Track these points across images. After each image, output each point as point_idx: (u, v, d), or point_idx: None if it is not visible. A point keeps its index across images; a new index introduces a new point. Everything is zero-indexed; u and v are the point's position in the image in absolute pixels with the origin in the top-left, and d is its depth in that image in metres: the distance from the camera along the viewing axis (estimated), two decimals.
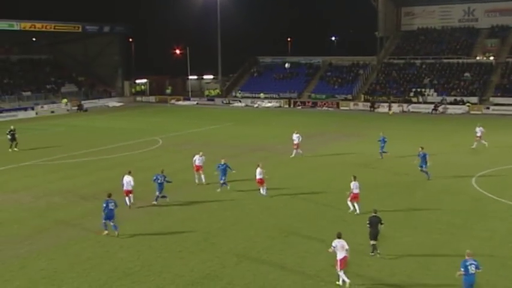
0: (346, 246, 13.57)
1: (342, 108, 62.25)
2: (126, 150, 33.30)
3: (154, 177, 21.00)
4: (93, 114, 58.67)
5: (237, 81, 74.51)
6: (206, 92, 75.13)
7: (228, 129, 44.18)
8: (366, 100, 62.34)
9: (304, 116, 55.45)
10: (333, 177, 25.56)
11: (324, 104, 63.85)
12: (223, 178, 22.05)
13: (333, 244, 13.62)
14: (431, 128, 44.81)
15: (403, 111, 58.73)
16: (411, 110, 58.85)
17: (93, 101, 68.39)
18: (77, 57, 75.26)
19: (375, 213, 15.71)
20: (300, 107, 64.85)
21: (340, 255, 13.44)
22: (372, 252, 15.40)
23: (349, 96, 64.10)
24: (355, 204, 19.23)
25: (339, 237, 13.72)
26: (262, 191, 21.05)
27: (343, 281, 13.37)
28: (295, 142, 30.24)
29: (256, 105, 66.07)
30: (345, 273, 13.53)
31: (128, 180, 20.68)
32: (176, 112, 60.30)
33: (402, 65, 67.02)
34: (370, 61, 69.52)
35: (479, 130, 33.30)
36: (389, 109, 57.14)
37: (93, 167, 28.37)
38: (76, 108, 62.29)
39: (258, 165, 22.03)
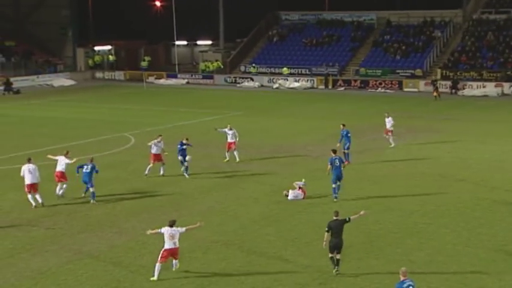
0: (176, 238, 17.19)
1: (406, 90, 61.88)
2: (81, 153, 33.33)
3: (84, 166, 24.57)
4: (29, 97, 59.13)
5: (247, 50, 74.63)
6: (202, 66, 75.32)
7: (236, 122, 43.74)
8: (445, 78, 61.74)
9: (348, 101, 55.12)
10: (392, 196, 25.32)
11: (380, 83, 63.53)
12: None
13: (161, 230, 17.43)
14: None
15: (504, 94, 58.13)
16: None
17: (29, 77, 68.83)
18: (3, 10, 75.56)
19: (336, 216, 17.64)
20: (342, 89, 64.57)
21: (167, 245, 17.17)
22: (335, 268, 17.42)
23: (419, 72, 63.73)
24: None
25: (171, 225, 17.34)
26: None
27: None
28: (229, 140, 30.60)
29: (276, 86, 66.06)
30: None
31: (30, 170, 23.71)
32: (156, 96, 60.56)
33: (503, 23, 66.37)
34: (451, 17, 69.02)
35: (388, 121, 34.16)
36: (436, 91, 56.18)
37: None
38: (2, 88, 62.88)
39: None
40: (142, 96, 60.07)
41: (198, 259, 18.71)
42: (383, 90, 62.53)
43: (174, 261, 17.66)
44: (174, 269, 17.66)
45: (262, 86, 67.06)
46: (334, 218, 17.63)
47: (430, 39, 67.32)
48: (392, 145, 34.03)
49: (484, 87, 59.05)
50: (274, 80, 67.05)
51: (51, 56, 75.24)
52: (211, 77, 71.23)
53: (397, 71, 64.70)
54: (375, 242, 20.03)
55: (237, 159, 30.64)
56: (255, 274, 17.62)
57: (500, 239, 20.30)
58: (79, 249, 19.65)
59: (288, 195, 24.73)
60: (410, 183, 27.22)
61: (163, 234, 17.38)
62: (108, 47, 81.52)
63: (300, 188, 25.06)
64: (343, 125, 31.09)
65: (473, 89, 59.15)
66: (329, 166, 24.49)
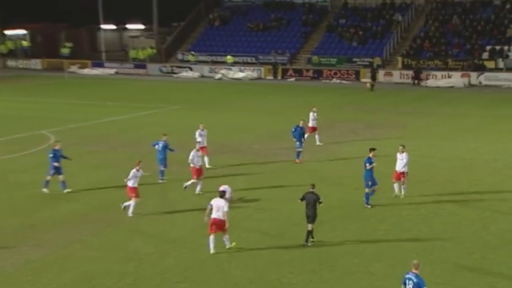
0: (226, 209, 19.54)
1: (363, 80, 62.59)
2: None
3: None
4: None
5: (185, 35, 74.36)
6: (132, 54, 74.69)
7: (173, 117, 44.09)
8: (406, 67, 62.77)
9: (300, 94, 55.55)
10: (349, 199, 25.64)
11: (335, 73, 64.25)
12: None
13: (211, 202, 19.82)
14: None
15: (471, 85, 59.52)
16: (484, 82, 59.90)
17: None
18: None
19: (313, 188, 20.41)
20: (293, 79, 65.13)
21: (213, 214, 19.60)
22: (306, 242, 20.22)
23: (378, 61, 64.61)
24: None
25: (221, 196, 19.97)
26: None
27: (228, 245, 20.01)
28: (198, 139, 29.83)
29: (218, 76, 66.12)
30: (226, 238, 19.84)
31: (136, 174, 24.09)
32: (80, 88, 59.81)
33: (469, 5, 68.04)
34: None
35: (312, 115, 35.14)
36: (372, 79, 57.58)
37: None
38: None
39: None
40: (64, 88, 59.25)
41: (130, 274, 18.60)
42: (338, 81, 63.23)
43: (224, 236, 19.81)
44: (227, 247, 19.84)
45: (202, 76, 66.99)
46: (310, 190, 20.38)
47: (390, 24, 68.36)
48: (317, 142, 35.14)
49: (449, 77, 60.38)
50: (216, 70, 67.09)
51: None
52: (144, 66, 70.77)
53: (354, 59, 65.54)
54: (329, 251, 20.24)
55: (207, 166, 29.99)
56: None
57: (467, 246, 20.74)
58: None
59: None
60: (352, 186, 27.43)
61: (212, 205, 19.75)
62: (22, 32, 80.00)
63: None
64: (303, 121, 32.10)
65: (437, 80, 60.40)
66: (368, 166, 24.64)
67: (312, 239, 20.35)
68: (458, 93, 55.90)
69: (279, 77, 65.62)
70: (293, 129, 31.31)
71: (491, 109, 47.53)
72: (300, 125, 31.48)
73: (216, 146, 34.49)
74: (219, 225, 19.62)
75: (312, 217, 20.20)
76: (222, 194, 20.18)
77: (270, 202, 25.14)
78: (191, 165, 26.09)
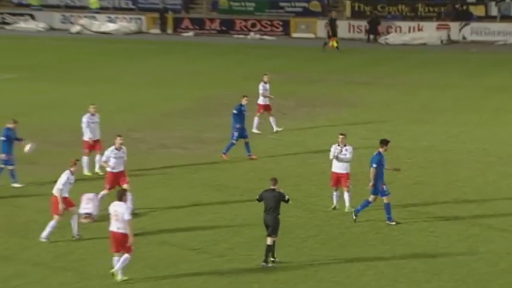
0: (126, 217, 19.67)
1: (296, 35, 64.06)
2: None
3: None
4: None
5: None
6: None
7: (4, 92, 43.76)
8: (357, 15, 63.38)
9: (201, 56, 55.75)
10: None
11: (253, 25, 64.51)
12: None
13: (109, 208, 20.30)
14: None
15: (451, 41, 60.80)
16: (470, 37, 61.53)
17: None
18: None
19: (274, 185, 21.43)
20: (191, 34, 65.20)
21: (111, 226, 19.88)
22: (265, 262, 21.01)
23: (315, 6, 65.00)
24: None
25: (120, 198, 20.14)
26: None
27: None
28: (89, 136, 30.09)
29: (77, 29, 65.65)
30: (122, 261, 19.66)
31: None
32: None
33: None
34: None
35: (262, 88, 36.09)
36: (331, 39, 58.63)
37: None
38: None
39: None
40: None
41: None
42: (258, 36, 63.46)
43: (123, 256, 19.67)
44: (118, 279, 19.73)
45: (52, 29, 66.39)
46: (271, 187, 21.40)
47: None
48: (275, 129, 35.47)
49: (419, 29, 61.34)
50: (72, 20, 66.37)
51: None
52: None
53: (281, 4, 65.78)
54: None
55: (96, 169, 29.83)
56: None
57: (446, 277, 21.06)
58: None
59: (88, 214, 24.45)
60: (304, 189, 27.63)
61: (111, 213, 20.08)
62: None
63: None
64: (247, 97, 31.86)
65: (402, 34, 61.32)
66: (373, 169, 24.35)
67: (272, 259, 21.14)
68: (433, 53, 56.85)
69: (170, 31, 65.42)
70: (235, 111, 31.17)
71: (480, 77, 48.51)
72: (243, 103, 31.43)
73: (74, 133, 34.00)
74: (119, 242, 19.71)
75: (272, 226, 21.11)
76: (121, 195, 20.25)
77: (156, 218, 25.04)
78: (107, 169, 25.71)
